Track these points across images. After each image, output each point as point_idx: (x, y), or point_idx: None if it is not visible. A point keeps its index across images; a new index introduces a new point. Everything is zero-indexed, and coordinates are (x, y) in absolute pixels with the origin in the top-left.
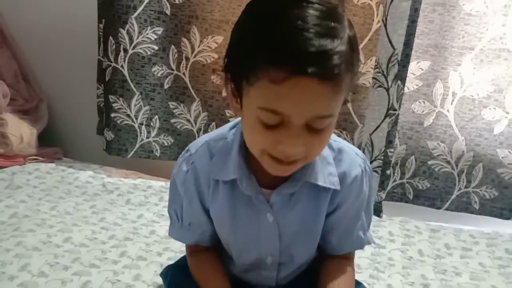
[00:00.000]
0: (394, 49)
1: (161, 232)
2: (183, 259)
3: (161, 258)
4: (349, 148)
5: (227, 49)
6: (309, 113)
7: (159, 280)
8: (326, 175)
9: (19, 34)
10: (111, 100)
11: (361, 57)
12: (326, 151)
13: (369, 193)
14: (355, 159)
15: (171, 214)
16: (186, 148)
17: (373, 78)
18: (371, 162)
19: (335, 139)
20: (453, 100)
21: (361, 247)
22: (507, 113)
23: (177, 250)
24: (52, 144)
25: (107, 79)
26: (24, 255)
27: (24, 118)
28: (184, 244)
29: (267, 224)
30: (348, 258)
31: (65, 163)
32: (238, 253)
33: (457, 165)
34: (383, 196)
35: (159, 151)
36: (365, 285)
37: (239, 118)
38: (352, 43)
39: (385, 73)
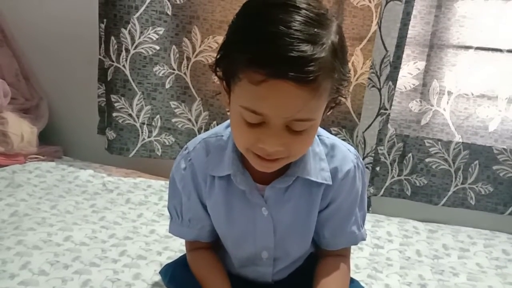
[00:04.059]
0: (386, 51)
1: (161, 231)
2: (183, 257)
3: (161, 257)
4: (342, 145)
5: (219, 46)
6: (287, 115)
7: (159, 279)
8: (318, 170)
9: (20, 33)
10: (113, 99)
11: (360, 57)
12: (318, 147)
13: (362, 188)
14: (347, 155)
15: (171, 211)
16: (185, 146)
17: (368, 78)
18: (363, 159)
19: (328, 136)
20: (449, 99)
21: (355, 242)
22: (500, 111)
23: (176, 249)
24: (53, 143)
25: (109, 78)
26: (25, 254)
27: (24, 117)
28: (184, 243)
29: (262, 218)
30: (343, 256)
31: (65, 162)
32: (235, 248)
33: (454, 163)
34: (372, 191)
35: (160, 150)
36: (363, 284)
37: None
38: (336, 49)
39: (378, 74)
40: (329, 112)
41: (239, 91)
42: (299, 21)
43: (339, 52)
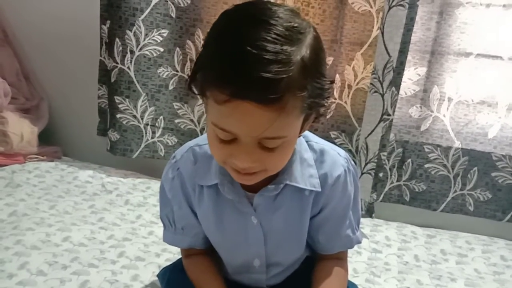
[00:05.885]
0: (389, 56)
1: (160, 233)
2: (180, 261)
3: (159, 259)
4: (331, 149)
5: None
6: (254, 134)
7: (157, 281)
8: (306, 177)
9: (21, 33)
10: (116, 101)
11: (361, 62)
12: (307, 153)
13: (355, 192)
14: (337, 159)
15: (163, 219)
16: (173, 155)
17: (370, 83)
18: (365, 165)
19: (317, 141)
20: (449, 105)
21: (350, 246)
22: (500, 117)
23: (175, 251)
24: (52, 143)
25: (112, 80)
26: (23, 254)
27: (25, 116)
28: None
29: (252, 226)
30: (340, 259)
31: (65, 163)
32: (227, 256)
33: (453, 169)
34: (375, 197)
35: (163, 151)
36: None
37: None
38: (306, 65)
39: (380, 79)
40: (314, 122)
41: (209, 108)
42: (266, 39)
43: (311, 67)
